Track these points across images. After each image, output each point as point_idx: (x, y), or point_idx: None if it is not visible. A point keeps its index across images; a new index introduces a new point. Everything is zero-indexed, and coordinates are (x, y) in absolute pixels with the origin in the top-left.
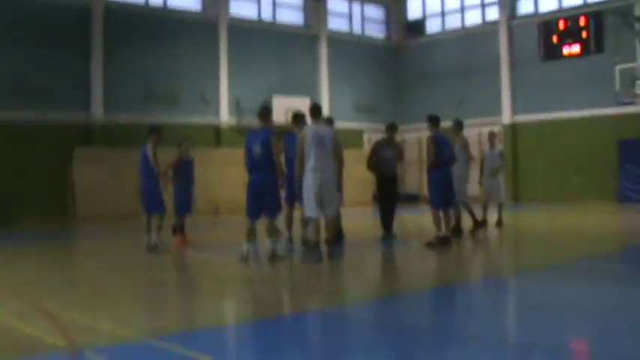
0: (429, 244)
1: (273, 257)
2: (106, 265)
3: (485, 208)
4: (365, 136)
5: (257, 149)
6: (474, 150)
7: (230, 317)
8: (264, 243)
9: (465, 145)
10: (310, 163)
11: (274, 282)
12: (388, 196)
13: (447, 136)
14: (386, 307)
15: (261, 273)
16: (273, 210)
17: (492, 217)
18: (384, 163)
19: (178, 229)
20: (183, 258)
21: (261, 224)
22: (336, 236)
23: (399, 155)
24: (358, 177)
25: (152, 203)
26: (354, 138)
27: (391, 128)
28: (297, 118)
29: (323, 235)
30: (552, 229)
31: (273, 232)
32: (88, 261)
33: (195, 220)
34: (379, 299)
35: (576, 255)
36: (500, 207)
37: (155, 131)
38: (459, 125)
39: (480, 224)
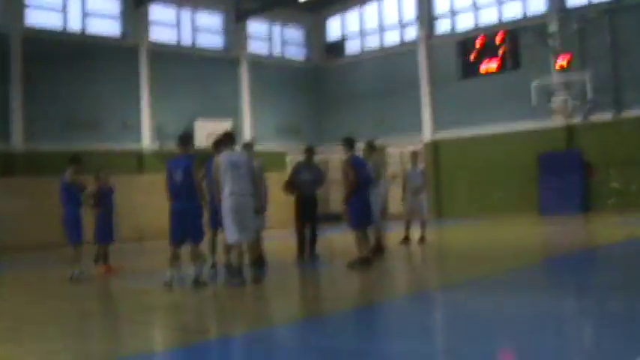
0: (351, 265)
1: (197, 282)
2: (30, 297)
3: (407, 226)
4: (288, 158)
5: (179, 176)
6: (397, 168)
7: (156, 345)
8: (188, 269)
9: (375, 167)
10: (227, 188)
11: (200, 308)
12: (306, 218)
13: (361, 158)
14: (310, 328)
15: (187, 299)
16: (196, 236)
17: (415, 234)
18: (302, 186)
19: (102, 258)
20: (108, 287)
21: (185, 250)
22: (259, 259)
23: (319, 178)
24: (282, 199)
25: (76, 232)
26: (278, 160)
27: (309, 151)
28: (218, 143)
29: (246, 258)
30: (474, 244)
31: (196, 257)
32: (11, 292)
33: (119, 247)
34: (303, 321)
35: (497, 268)
36: (423, 224)
37: (75, 161)
38: (370, 146)
39: (378, 252)
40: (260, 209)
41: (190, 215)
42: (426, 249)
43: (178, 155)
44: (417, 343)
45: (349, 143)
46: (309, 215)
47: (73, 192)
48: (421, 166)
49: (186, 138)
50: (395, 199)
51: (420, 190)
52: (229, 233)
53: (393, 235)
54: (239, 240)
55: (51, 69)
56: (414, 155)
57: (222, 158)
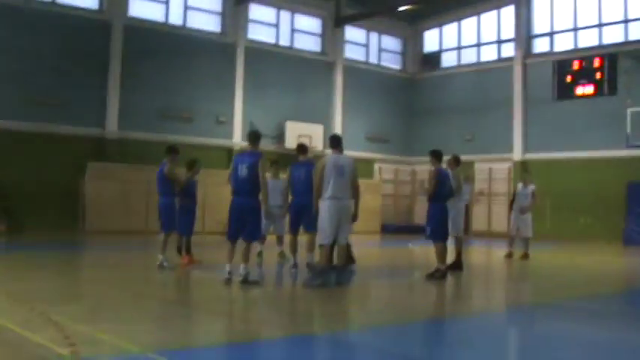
0: (430, 276)
1: (245, 282)
2: (113, 279)
3: (511, 242)
4: (376, 166)
5: (243, 171)
6: (482, 185)
7: (227, 337)
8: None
9: (456, 178)
10: (329, 192)
11: (276, 304)
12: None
13: (447, 171)
14: (388, 334)
15: (264, 295)
16: (251, 234)
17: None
18: None
19: (184, 249)
20: (189, 277)
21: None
22: (346, 262)
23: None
24: (369, 206)
25: (169, 221)
26: (366, 168)
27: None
28: (301, 148)
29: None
30: (557, 267)
31: (247, 256)
32: (95, 274)
33: (202, 239)
34: (382, 327)
35: (579, 293)
36: (526, 242)
37: (173, 151)
38: (455, 160)
39: (457, 265)
40: (356, 217)
41: (248, 212)
42: (508, 268)
43: (246, 151)
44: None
45: (437, 155)
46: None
47: (169, 182)
48: (532, 186)
49: (255, 135)
50: (479, 215)
51: (527, 210)
52: (323, 235)
53: (475, 250)
54: (330, 242)
55: (149, 60)
56: (527, 174)
57: (329, 161)
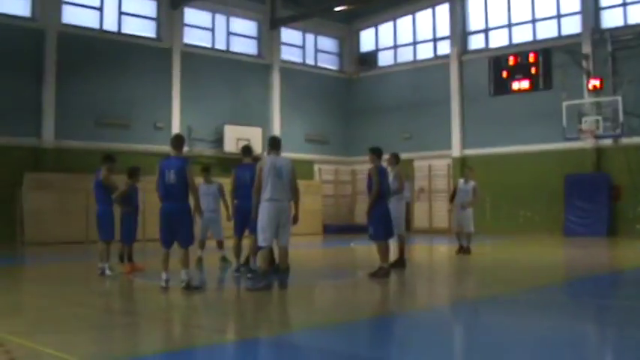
0: (373, 275)
1: (188, 287)
2: (54, 291)
3: (458, 237)
4: (316, 167)
5: (171, 176)
6: (425, 182)
7: (170, 344)
8: (180, 273)
9: (398, 176)
10: (267, 194)
11: (219, 309)
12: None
13: (386, 168)
14: (333, 334)
15: (207, 300)
16: (185, 240)
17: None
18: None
19: (126, 257)
20: (131, 285)
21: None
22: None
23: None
24: (309, 208)
25: (107, 229)
26: (305, 169)
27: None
28: (246, 150)
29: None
30: (497, 261)
31: (186, 262)
32: (35, 287)
33: (144, 246)
34: (325, 327)
35: (517, 287)
36: (468, 237)
37: (109, 159)
38: (395, 157)
39: (399, 263)
40: (297, 219)
41: (179, 217)
42: (450, 263)
43: (171, 156)
44: (417, 356)
45: (377, 153)
46: None
47: (106, 190)
48: (472, 182)
49: (178, 140)
50: (420, 212)
51: (468, 205)
52: (262, 237)
53: (418, 247)
54: (270, 244)
55: (84, 67)
56: (468, 171)
57: (267, 163)
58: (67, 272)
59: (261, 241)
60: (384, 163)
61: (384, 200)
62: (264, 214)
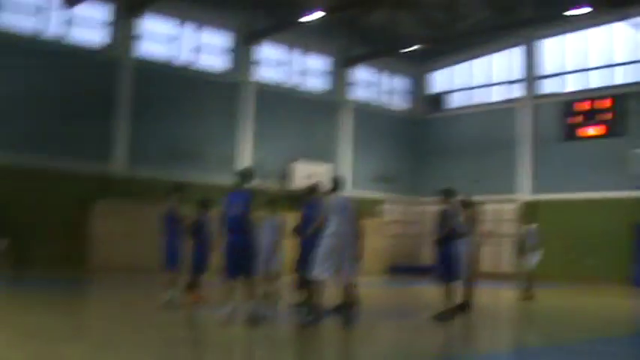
0: (435, 318)
1: (252, 320)
2: (117, 318)
3: (530, 284)
4: (384, 207)
5: (236, 209)
6: (488, 225)
7: None
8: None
9: (469, 221)
10: (331, 228)
11: (276, 344)
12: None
13: (453, 211)
14: None
15: (264, 335)
16: (248, 271)
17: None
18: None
19: (193, 287)
20: (196, 316)
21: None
22: (350, 304)
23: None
24: (376, 247)
25: (173, 260)
26: (373, 207)
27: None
28: (312, 189)
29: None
30: (565, 309)
31: (250, 294)
32: (101, 311)
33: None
34: None
35: (586, 336)
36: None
37: (178, 189)
38: (464, 201)
39: (465, 306)
40: (360, 256)
41: (245, 249)
42: (515, 309)
43: (237, 189)
44: None
45: (447, 194)
46: None
47: (174, 220)
48: (534, 225)
49: (246, 173)
50: (489, 256)
51: (536, 248)
52: (319, 269)
53: (484, 292)
54: (326, 278)
55: (157, 98)
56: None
57: (334, 200)
58: (133, 299)
59: (316, 274)
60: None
61: (451, 243)
62: (325, 246)
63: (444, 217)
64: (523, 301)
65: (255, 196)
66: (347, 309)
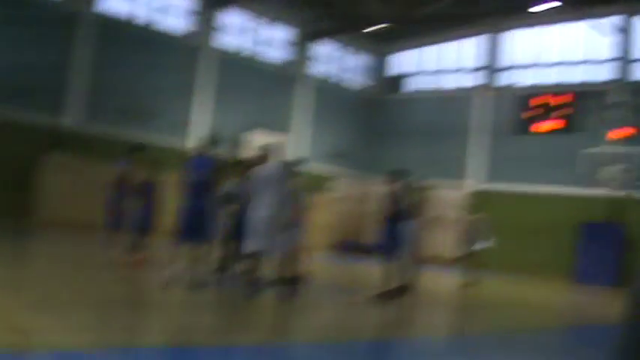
0: (378, 297)
1: (195, 285)
2: (59, 274)
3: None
4: (336, 183)
5: (196, 174)
6: (436, 210)
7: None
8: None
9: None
10: (262, 199)
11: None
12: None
13: (399, 193)
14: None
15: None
16: (201, 236)
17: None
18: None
19: (138, 247)
20: (137, 277)
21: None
22: (290, 278)
23: None
24: (323, 222)
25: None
26: (325, 182)
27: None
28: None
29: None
30: (501, 299)
31: (196, 259)
32: (42, 266)
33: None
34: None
35: (524, 326)
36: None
37: (141, 149)
38: (410, 184)
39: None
40: (287, 224)
41: (202, 213)
42: (456, 295)
43: (201, 155)
44: None
45: (397, 175)
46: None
47: (126, 180)
48: (482, 214)
49: (213, 140)
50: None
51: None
52: (252, 242)
53: (427, 277)
54: (257, 250)
55: (118, 55)
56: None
57: (264, 170)
58: (76, 256)
59: (249, 247)
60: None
61: (395, 222)
62: (254, 219)
63: (392, 198)
64: (465, 287)
65: (218, 163)
66: (285, 282)
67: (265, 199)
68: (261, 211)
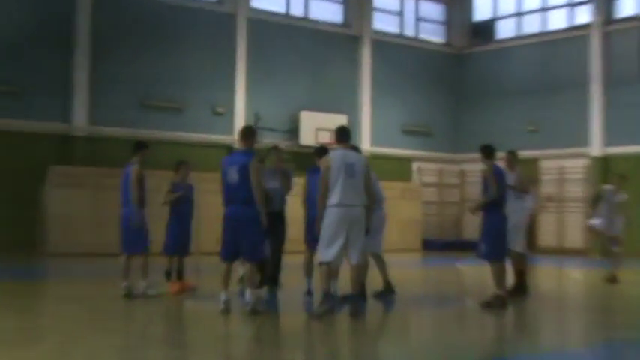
0: (486, 305)
1: (254, 311)
2: (82, 314)
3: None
4: (414, 166)
5: (233, 175)
6: (550, 188)
7: None
8: (246, 293)
9: (520, 180)
10: (335, 198)
11: (286, 341)
12: (272, 239)
13: (502, 169)
14: None
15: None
16: (252, 252)
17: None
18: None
19: (174, 273)
20: (181, 308)
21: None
22: (362, 290)
23: (286, 186)
24: (405, 217)
25: (131, 240)
26: (401, 168)
27: (275, 151)
28: (321, 152)
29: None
30: None
31: (253, 281)
32: (58, 307)
33: (196, 261)
34: None
35: None
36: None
37: (140, 147)
38: (513, 156)
39: (519, 289)
40: (369, 230)
41: (245, 225)
42: (586, 293)
43: (236, 151)
44: None
45: (487, 152)
46: (274, 234)
47: (137, 189)
48: (623, 195)
49: (247, 132)
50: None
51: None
52: (324, 250)
53: (545, 272)
54: (334, 259)
55: (126, 38)
56: (619, 179)
57: (336, 159)
58: (100, 290)
59: (323, 255)
60: (500, 164)
61: (500, 211)
62: (329, 221)
63: (492, 179)
64: (610, 281)
65: (255, 159)
66: (356, 296)
67: (339, 194)
68: (337, 210)
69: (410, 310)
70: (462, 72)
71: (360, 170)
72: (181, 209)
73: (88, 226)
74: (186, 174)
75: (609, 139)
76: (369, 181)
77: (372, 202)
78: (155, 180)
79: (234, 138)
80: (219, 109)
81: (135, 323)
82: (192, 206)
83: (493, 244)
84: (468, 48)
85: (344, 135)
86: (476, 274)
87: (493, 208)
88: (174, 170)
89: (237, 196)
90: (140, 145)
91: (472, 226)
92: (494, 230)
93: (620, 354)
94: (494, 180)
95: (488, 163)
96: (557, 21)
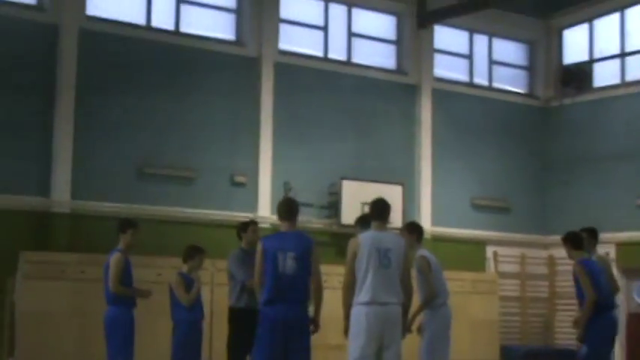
0: None
1: None
2: None
3: None
4: (489, 251)
5: (289, 263)
6: None
7: None
8: None
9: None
10: (365, 294)
11: None
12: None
13: (597, 262)
14: None
15: None
16: None
17: None
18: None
19: None
20: None
21: None
22: None
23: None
24: (478, 317)
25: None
26: (472, 253)
27: (254, 226)
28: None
29: None
30: None
31: None
32: None
33: None
34: None
35: None
36: None
37: (128, 226)
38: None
39: None
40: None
41: (301, 331)
42: None
43: (286, 232)
44: None
45: (574, 240)
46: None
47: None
48: None
49: (294, 205)
50: None
51: None
52: (356, 355)
53: None
54: None
55: (118, 88)
56: None
57: (365, 242)
58: None
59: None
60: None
61: (604, 311)
62: (358, 325)
63: (583, 281)
64: None
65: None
66: None
67: (370, 287)
68: (366, 308)
69: None
70: (550, 129)
71: (398, 259)
72: (193, 316)
73: (67, 330)
74: (200, 264)
75: None
76: (407, 272)
77: (409, 298)
78: (154, 270)
79: (256, 214)
80: (240, 179)
81: None
82: (201, 307)
83: (594, 352)
84: (556, 99)
85: (381, 211)
86: None
87: (596, 310)
88: (184, 258)
89: (292, 292)
90: (126, 224)
91: (565, 330)
92: (596, 336)
93: None
94: (589, 281)
95: (574, 255)
96: None
